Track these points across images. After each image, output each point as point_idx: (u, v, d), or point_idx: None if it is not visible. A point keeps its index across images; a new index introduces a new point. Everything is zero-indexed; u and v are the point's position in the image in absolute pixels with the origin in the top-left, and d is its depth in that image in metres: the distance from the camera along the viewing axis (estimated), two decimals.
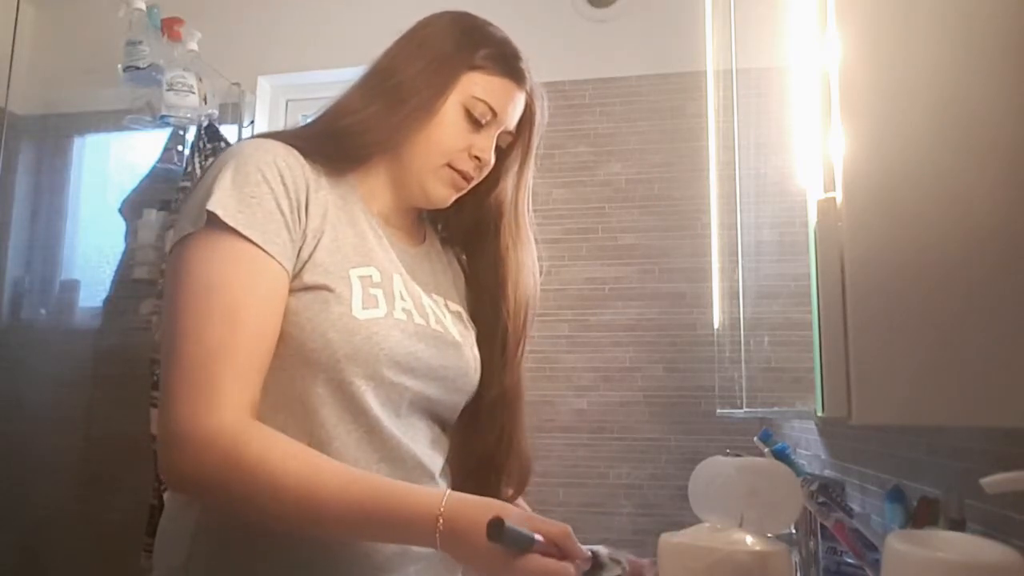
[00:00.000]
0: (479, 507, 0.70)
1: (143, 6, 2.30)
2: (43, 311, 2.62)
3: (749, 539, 0.81)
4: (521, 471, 0.98)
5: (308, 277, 0.79)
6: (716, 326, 2.06)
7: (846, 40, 0.74)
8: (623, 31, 2.40)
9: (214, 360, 0.72)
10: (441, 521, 0.68)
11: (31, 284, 2.64)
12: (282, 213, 0.78)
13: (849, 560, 1.14)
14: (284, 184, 0.79)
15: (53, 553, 2.33)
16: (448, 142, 0.89)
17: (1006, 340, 0.67)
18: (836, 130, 0.73)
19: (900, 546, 0.67)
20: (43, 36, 2.68)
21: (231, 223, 0.75)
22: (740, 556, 0.79)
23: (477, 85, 0.89)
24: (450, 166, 0.90)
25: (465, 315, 0.97)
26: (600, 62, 2.38)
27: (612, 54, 2.39)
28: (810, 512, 1.12)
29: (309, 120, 0.92)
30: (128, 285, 2.39)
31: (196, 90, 2.27)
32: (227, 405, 0.71)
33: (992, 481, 0.63)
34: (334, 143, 0.87)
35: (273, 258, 0.76)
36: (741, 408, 1.67)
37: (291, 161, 0.81)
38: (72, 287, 2.62)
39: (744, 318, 1.73)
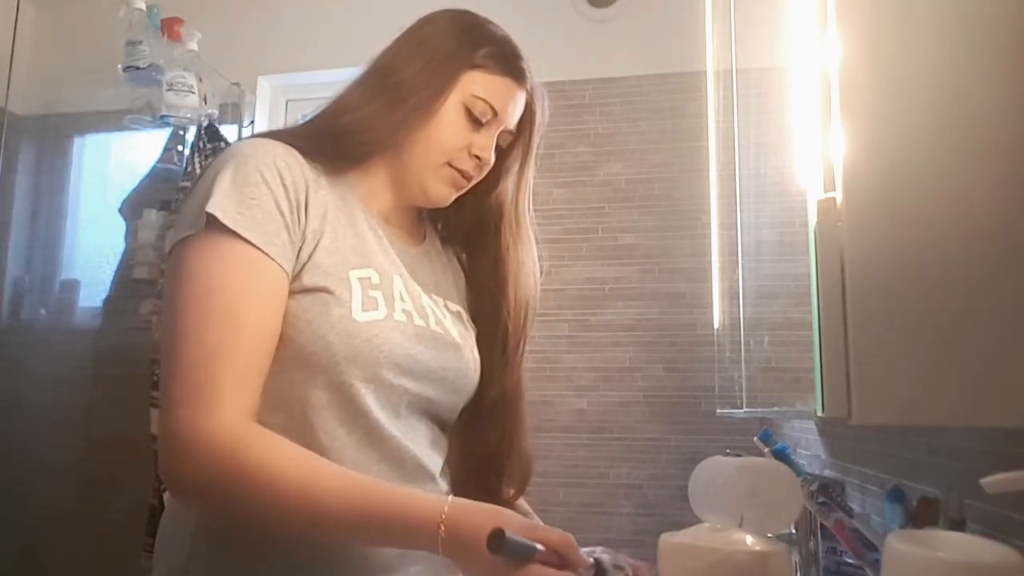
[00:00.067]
0: (481, 514, 0.69)
1: (143, 6, 2.30)
2: (43, 311, 2.62)
3: (749, 539, 0.81)
4: (522, 471, 0.98)
5: (308, 279, 0.79)
6: (716, 326, 2.06)
7: (846, 40, 0.74)
8: (623, 31, 2.40)
9: (214, 363, 0.72)
10: (443, 528, 0.68)
11: (31, 284, 2.64)
12: (282, 214, 0.78)
13: (849, 560, 1.14)
14: (284, 185, 0.79)
15: (53, 553, 2.33)
16: (448, 141, 0.88)
17: (1006, 340, 0.67)
18: (836, 130, 0.73)
19: (900, 546, 0.67)
20: (43, 36, 2.68)
21: (231, 225, 0.74)
22: (740, 556, 0.79)
23: (478, 84, 0.89)
24: (450, 165, 0.90)
25: (465, 315, 0.97)
26: (600, 62, 2.38)
27: (612, 54, 2.39)
28: (810, 512, 1.12)
29: (307, 118, 0.91)
30: (128, 285, 2.39)
31: (196, 90, 2.27)
32: (227, 408, 0.71)
33: (992, 481, 0.63)
34: (333, 141, 0.86)
35: (273, 260, 0.76)
36: (741, 408, 1.67)
37: (290, 161, 0.81)
38: (72, 287, 2.62)
39: (744, 318, 1.73)
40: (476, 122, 0.89)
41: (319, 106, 0.91)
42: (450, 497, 0.71)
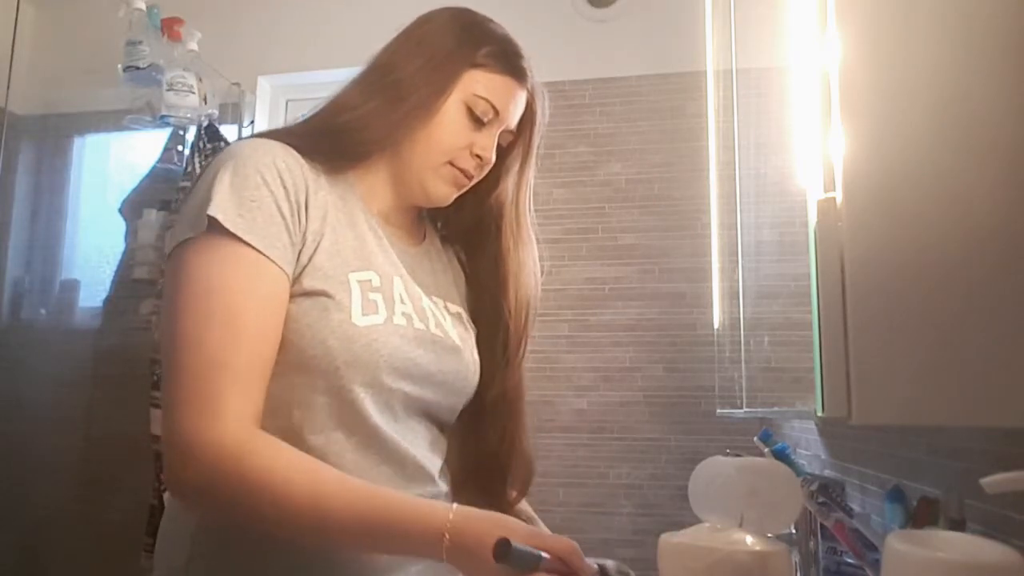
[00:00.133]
0: (485, 522, 0.69)
1: (143, 6, 2.30)
2: (43, 311, 2.62)
3: (749, 539, 0.81)
4: (523, 471, 0.98)
5: (308, 282, 0.78)
6: (716, 326, 2.06)
7: (846, 40, 0.74)
8: (623, 31, 2.40)
9: (216, 368, 0.71)
10: (447, 536, 0.67)
11: (31, 284, 2.64)
12: (282, 216, 0.77)
13: (849, 560, 1.14)
14: (284, 186, 0.78)
15: (53, 553, 2.33)
16: (449, 140, 0.88)
17: (1006, 340, 0.67)
18: (836, 130, 0.73)
19: (900, 546, 0.67)
20: (43, 36, 2.68)
21: (231, 228, 0.74)
22: (740, 556, 0.79)
23: (479, 83, 0.88)
24: (451, 164, 0.89)
25: (465, 316, 0.97)
26: (600, 62, 2.38)
27: (612, 54, 2.39)
28: (810, 512, 1.12)
29: (306, 117, 0.90)
30: (128, 285, 2.39)
31: (196, 90, 2.27)
32: (230, 415, 0.71)
33: (992, 481, 0.63)
34: (332, 140, 0.86)
35: (274, 262, 0.76)
36: (741, 408, 1.67)
37: (290, 162, 0.81)
38: (72, 287, 2.62)
39: (744, 318, 1.73)
40: (478, 121, 0.89)
41: (317, 105, 0.90)
42: (455, 505, 0.71)
